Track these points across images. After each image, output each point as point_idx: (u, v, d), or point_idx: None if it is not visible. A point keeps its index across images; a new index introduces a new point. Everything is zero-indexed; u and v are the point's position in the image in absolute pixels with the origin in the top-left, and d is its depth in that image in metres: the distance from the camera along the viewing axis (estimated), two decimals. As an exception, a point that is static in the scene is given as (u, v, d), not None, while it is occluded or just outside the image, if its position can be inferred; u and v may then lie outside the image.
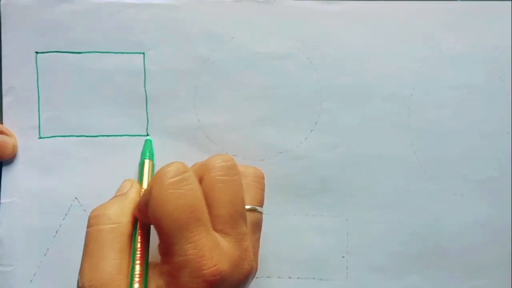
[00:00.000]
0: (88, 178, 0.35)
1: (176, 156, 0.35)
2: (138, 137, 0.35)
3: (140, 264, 0.28)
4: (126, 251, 0.28)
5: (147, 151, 0.35)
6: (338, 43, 0.36)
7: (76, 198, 0.35)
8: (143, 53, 0.35)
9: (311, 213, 0.36)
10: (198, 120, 0.35)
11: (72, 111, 0.35)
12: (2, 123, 0.35)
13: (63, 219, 0.35)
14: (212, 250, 0.26)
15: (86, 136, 0.35)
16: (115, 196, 0.31)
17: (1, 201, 0.35)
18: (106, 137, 0.35)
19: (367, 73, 0.36)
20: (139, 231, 0.29)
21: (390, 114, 0.36)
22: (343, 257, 0.35)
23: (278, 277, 0.35)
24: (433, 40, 0.36)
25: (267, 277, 0.35)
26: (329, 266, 0.35)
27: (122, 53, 0.35)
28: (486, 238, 0.36)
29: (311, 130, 0.36)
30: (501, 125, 0.36)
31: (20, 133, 0.35)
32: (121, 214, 0.29)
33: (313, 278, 0.35)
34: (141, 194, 0.31)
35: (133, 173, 0.35)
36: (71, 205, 0.35)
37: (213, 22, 0.35)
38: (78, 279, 0.27)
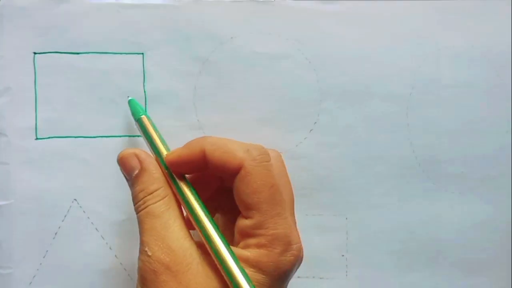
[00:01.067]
0: (87, 179, 0.35)
1: (175, 156, 0.35)
2: (137, 138, 0.35)
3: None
4: (181, 217, 0.29)
5: (139, 109, 0.33)
6: (337, 43, 0.36)
7: (75, 199, 0.35)
8: (142, 53, 0.35)
9: (311, 212, 0.36)
10: (198, 120, 0.35)
11: (70, 112, 0.35)
12: (-1, 125, 0.35)
13: (62, 221, 0.35)
14: (294, 228, 0.29)
15: (84, 137, 0.35)
16: (141, 178, 0.30)
17: (-1, 203, 0.35)
18: (105, 138, 0.35)
19: (366, 73, 0.36)
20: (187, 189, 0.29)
21: (389, 113, 0.36)
22: (342, 255, 0.36)
23: (279, 277, 0.35)
24: (431, 39, 0.36)
25: (268, 276, 0.35)
26: (329, 265, 0.36)
27: (121, 53, 0.35)
28: (485, 236, 0.36)
29: (310, 130, 0.36)
30: (500, 124, 0.37)
31: (16, 134, 0.35)
32: (164, 188, 0.29)
33: (313, 277, 0.36)
34: (178, 154, 0.30)
35: (133, 174, 0.35)
36: (70, 206, 0.35)
37: (212, 22, 0.35)
38: (143, 251, 0.28)
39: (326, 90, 0.36)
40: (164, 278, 0.27)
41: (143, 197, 0.29)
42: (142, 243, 0.28)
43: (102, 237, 0.35)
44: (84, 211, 0.35)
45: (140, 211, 0.29)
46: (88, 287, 0.35)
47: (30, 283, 0.35)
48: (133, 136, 0.35)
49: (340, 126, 0.36)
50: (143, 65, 0.35)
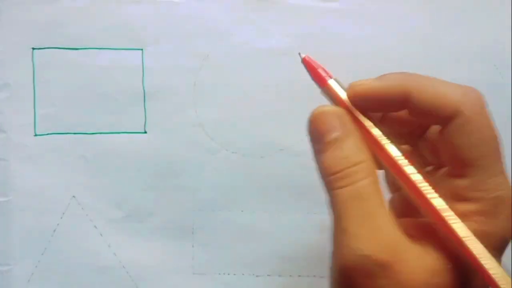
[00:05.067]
0: (85, 176, 0.35)
1: (174, 153, 0.35)
2: (136, 134, 0.35)
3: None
4: (385, 204, 0.22)
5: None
6: (337, 40, 0.35)
7: (74, 196, 0.35)
8: (142, 49, 0.35)
9: (312, 211, 0.35)
10: (197, 116, 0.35)
11: (69, 108, 0.35)
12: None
13: (61, 218, 0.35)
14: None
15: (83, 134, 0.35)
16: (336, 142, 0.23)
17: (-3, 200, 0.35)
18: (104, 134, 0.35)
19: (365, 70, 0.35)
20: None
21: (391, 110, 0.36)
22: (343, 254, 0.35)
23: (279, 275, 0.35)
24: (432, 36, 0.36)
25: (268, 275, 0.35)
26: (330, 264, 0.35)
27: (120, 49, 0.35)
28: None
29: (312, 127, 0.35)
30: (501, 121, 0.36)
31: (15, 130, 0.35)
32: (368, 162, 0.23)
33: (314, 276, 0.35)
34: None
35: (133, 171, 0.35)
36: (69, 203, 0.35)
37: (213, 18, 0.35)
38: (350, 248, 0.21)
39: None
40: (383, 283, 0.21)
41: (345, 168, 0.22)
42: (344, 234, 0.22)
43: (101, 235, 0.35)
44: (83, 208, 0.35)
45: (340, 188, 0.22)
46: (86, 285, 0.35)
47: (29, 280, 0.35)
48: (131, 133, 0.35)
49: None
50: (142, 61, 0.35)
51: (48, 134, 0.35)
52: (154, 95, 0.35)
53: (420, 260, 0.21)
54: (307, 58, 0.26)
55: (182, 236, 0.35)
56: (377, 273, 0.21)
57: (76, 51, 0.35)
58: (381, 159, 0.23)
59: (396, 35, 0.35)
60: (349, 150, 0.23)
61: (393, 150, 0.23)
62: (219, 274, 0.35)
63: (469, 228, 0.21)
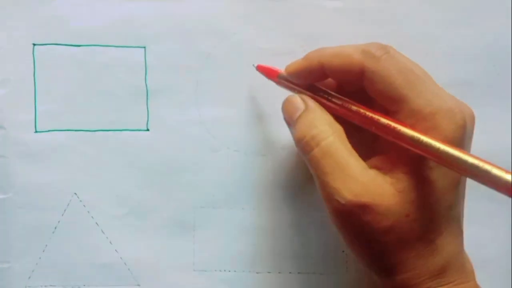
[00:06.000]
0: (87, 173, 0.35)
1: (176, 151, 0.35)
2: (138, 132, 0.35)
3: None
4: (353, 150, 0.28)
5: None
6: (339, 40, 0.35)
7: (75, 193, 0.35)
8: (144, 47, 0.35)
9: (312, 208, 0.36)
10: (199, 115, 0.35)
11: (70, 105, 0.35)
12: (-2, 117, 0.34)
13: (62, 215, 0.35)
14: (447, 97, 0.27)
15: (85, 131, 0.35)
16: (305, 117, 0.29)
17: (-3, 197, 0.34)
18: (105, 131, 0.35)
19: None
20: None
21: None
22: (343, 251, 0.36)
23: (279, 272, 0.36)
24: (432, 36, 0.36)
25: (268, 272, 0.35)
26: (329, 261, 0.36)
27: (123, 46, 0.35)
28: (485, 233, 0.36)
29: (312, 126, 0.36)
30: (500, 122, 0.37)
31: (15, 126, 0.34)
32: (330, 123, 0.28)
33: (313, 273, 0.36)
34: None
35: (134, 168, 0.35)
36: (70, 200, 0.35)
37: (215, 17, 0.35)
38: (333, 199, 0.27)
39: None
40: (368, 218, 0.26)
41: (311, 134, 0.28)
42: (324, 189, 0.28)
43: (102, 232, 0.35)
44: (84, 205, 0.35)
45: (310, 150, 0.28)
46: (88, 281, 0.35)
47: (29, 277, 0.34)
48: (133, 130, 0.35)
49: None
50: (145, 58, 0.35)
51: (49, 131, 0.35)
52: (157, 93, 0.35)
53: (393, 188, 0.26)
54: (260, 65, 0.34)
55: (183, 233, 0.35)
56: (360, 213, 0.26)
57: (78, 47, 0.35)
58: (341, 115, 0.29)
59: (397, 35, 0.36)
60: (312, 119, 0.28)
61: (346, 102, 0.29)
62: (220, 270, 0.35)
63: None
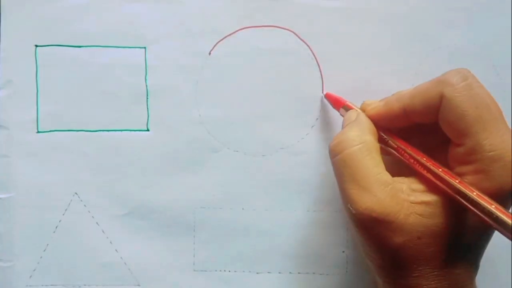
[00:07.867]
0: (88, 173, 0.35)
1: (176, 151, 0.35)
2: (138, 132, 0.35)
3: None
4: (382, 164, 0.28)
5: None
6: (340, 39, 0.36)
7: (76, 193, 0.35)
8: (145, 47, 0.35)
9: (312, 209, 0.36)
10: (199, 115, 0.35)
11: (72, 106, 0.35)
12: None
13: (63, 215, 0.35)
14: None
15: (86, 131, 0.35)
16: (347, 126, 0.30)
17: None
18: (106, 131, 0.35)
19: (367, 70, 0.36)
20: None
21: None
22: (343, 251, 0.36)
23: (279, 272, 0.35)
24: (432, 36, 0.36)
25: (268, 272, 0.35)
26: (329, 261, 0.36)
27: (123, 47, 0.35)
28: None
29: (312, 126, 0.36)
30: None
31: (17, 127, 0.35)
32: (362, 135, 0.29)
33: (313, 273, 0.36)
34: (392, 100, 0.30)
35: (135, 169, 0.35)
36: (71, 200, 0.35)
37: (215, 17, 0.35)
38: (347, 207, 0.27)
39: (328, 86, 0.36)
40: (380, 230, 0.26)
41: (340, 140, 0.28)
42: (342, 194, 0.28)
43: (103, 231, 0.35)
44: (85, 205, 0.35)
45: (335, 156, 0.29)
46: (88, 281, 0.35)
47: (31, 276, 0.35)
48: (134, 130, 0.35)
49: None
50: (145, 59, 0.35)
51: (50, 131, 0.35)
52: (157, 93, 0.35)
53: (412, 209, 0.26)
54: (328, 94, 0.35)
55: (184, 233, 0.35)
56: (371, 226, 0.27)
57: (79, 48, 0.35)
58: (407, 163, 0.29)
59: (398, 35, 0.36)
60: (348, 130, 0.29)
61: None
62: (220, 271, 0.36)
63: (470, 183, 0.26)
